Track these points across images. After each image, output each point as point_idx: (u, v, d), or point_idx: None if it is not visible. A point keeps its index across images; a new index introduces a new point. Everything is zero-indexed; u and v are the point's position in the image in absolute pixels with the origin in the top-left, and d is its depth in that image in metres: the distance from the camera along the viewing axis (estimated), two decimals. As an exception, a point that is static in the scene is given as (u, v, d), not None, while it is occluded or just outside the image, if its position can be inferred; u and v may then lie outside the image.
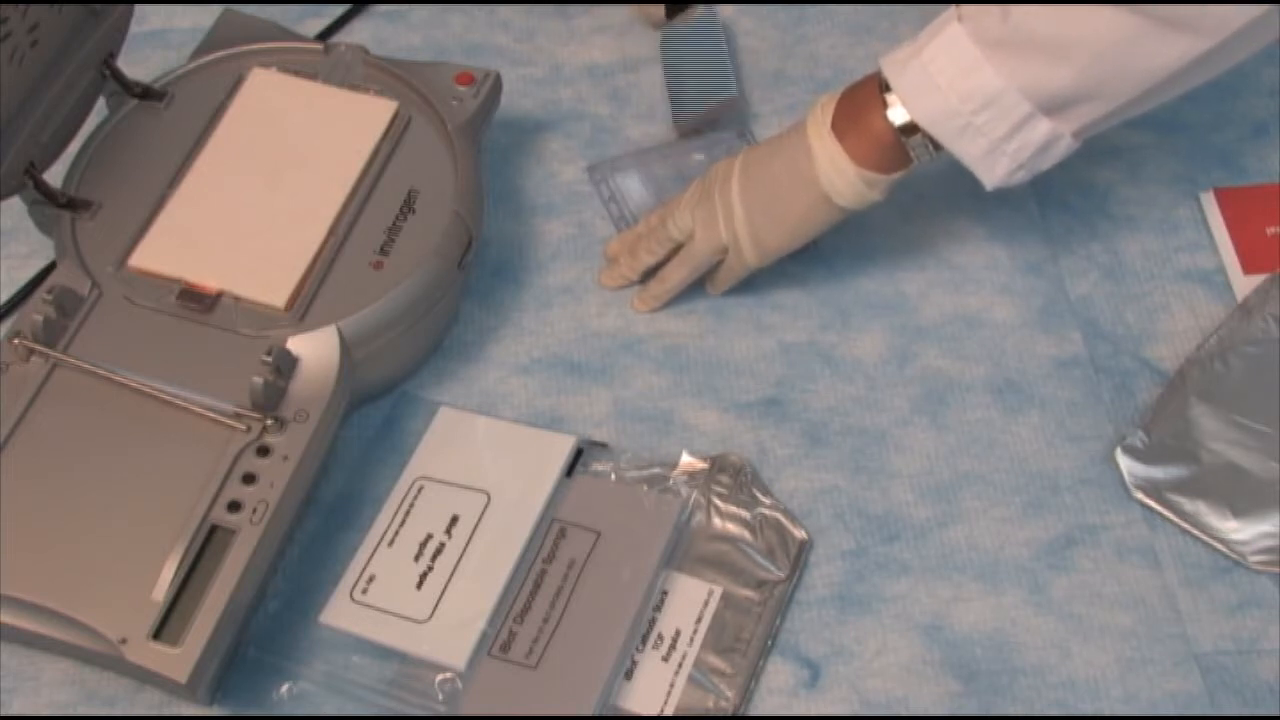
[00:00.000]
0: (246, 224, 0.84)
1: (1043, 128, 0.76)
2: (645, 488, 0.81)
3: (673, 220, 0.86)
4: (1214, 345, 0.86)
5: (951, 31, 0.76)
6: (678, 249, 0.87)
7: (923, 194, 0.93)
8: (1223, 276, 0.90)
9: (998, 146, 0.77)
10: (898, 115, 0.78)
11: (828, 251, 0.91)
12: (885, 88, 0.79)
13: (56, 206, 0.84)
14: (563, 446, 0.82)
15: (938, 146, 0.79)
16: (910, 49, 0.78)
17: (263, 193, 0.86)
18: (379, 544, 0.79)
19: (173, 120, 0.90)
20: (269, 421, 0.77)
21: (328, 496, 0.82)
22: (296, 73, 0.92)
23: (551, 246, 0.93)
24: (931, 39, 0.77)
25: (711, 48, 0.98)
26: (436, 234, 0.84)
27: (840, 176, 0.80)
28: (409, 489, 0.81)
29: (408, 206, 0.86)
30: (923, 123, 0.77)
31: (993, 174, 0.79)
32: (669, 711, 0.74)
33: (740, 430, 0.85)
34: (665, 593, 0.78)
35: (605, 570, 0.78)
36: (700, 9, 0.99)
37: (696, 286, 0.89)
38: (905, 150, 0.79)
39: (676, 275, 0.87)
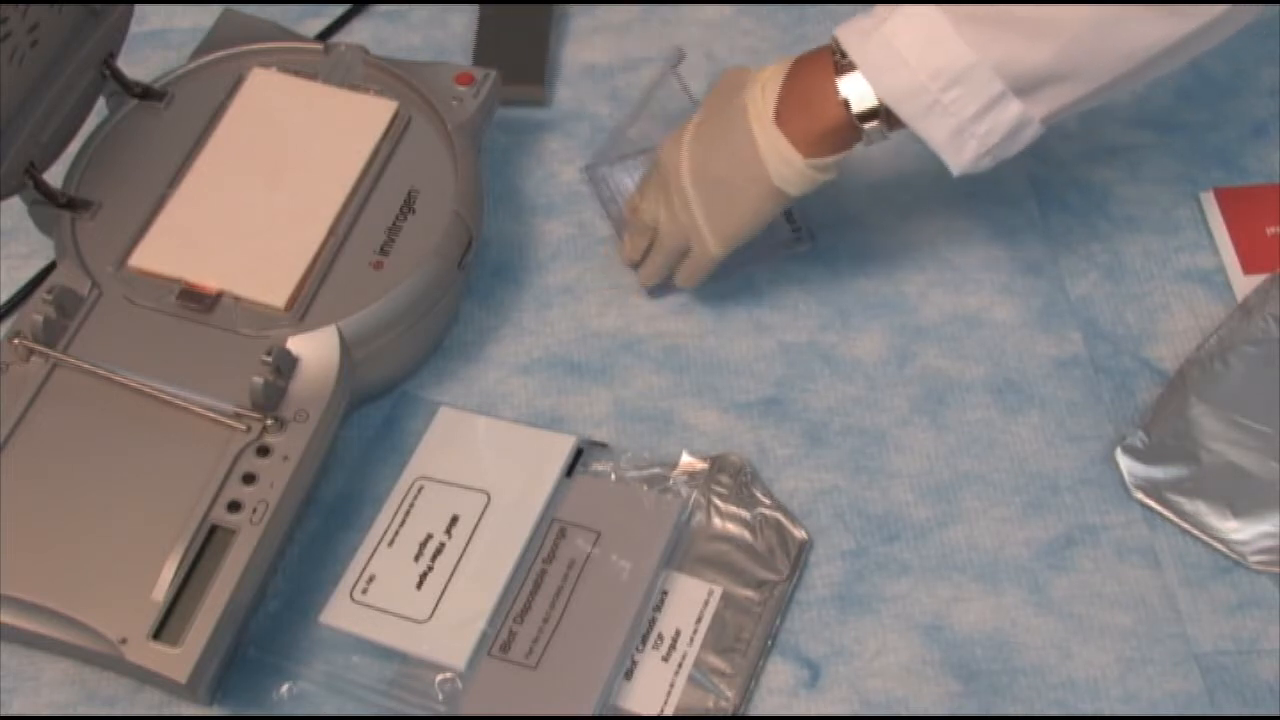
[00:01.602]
0: (246, 224, 0.84)
1: (1013, 109, 0.73)
2: (645, 488, 0.81)
3: (642, 210, 0.85)
4: (1214, 345, 0.86)
5: (918, 5, 0.71)
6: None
7: (922, 194, 0.93)
8: (1223, 276, 0.90)
9: (966, 128, 0.73)
10: (854, 98, 0.74)
11: (828, 251, 0.91)
12: (840, 64, 0.74)
13: (56, 206, 0.84)
14: (563, 446, 0.82)
15: (891, 128, 0.75)
16: (869, 21, 0.73)
17: (263, 193, 0.86)
18: (379, 544, 0.79)
19: (173, 120, 0.90)
20: (269, 421, 0.77)
21: (328, 496, 0.82)
22: (296, 73, 0.92)
23: (551, 246, 0.93)
24: (894, 11, 0.72)
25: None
26: (436, 234, 0.84)
27: (790, 169, 0.77)
28: (409, 489, 0.81)
29: (408, 206, 0.86)
30: (887, 100, 0.73)
31: (960, 158, 0.75)
32: (669, 711, 0.74)
33: (740, 430, 0.85)
34: (665, 593, 0.78)
35: (605, 570, 0.78)
36: None
37: (698, 285, 0.89)
38: (857, 131, 0.76)
39: (655, 262, 0.87)
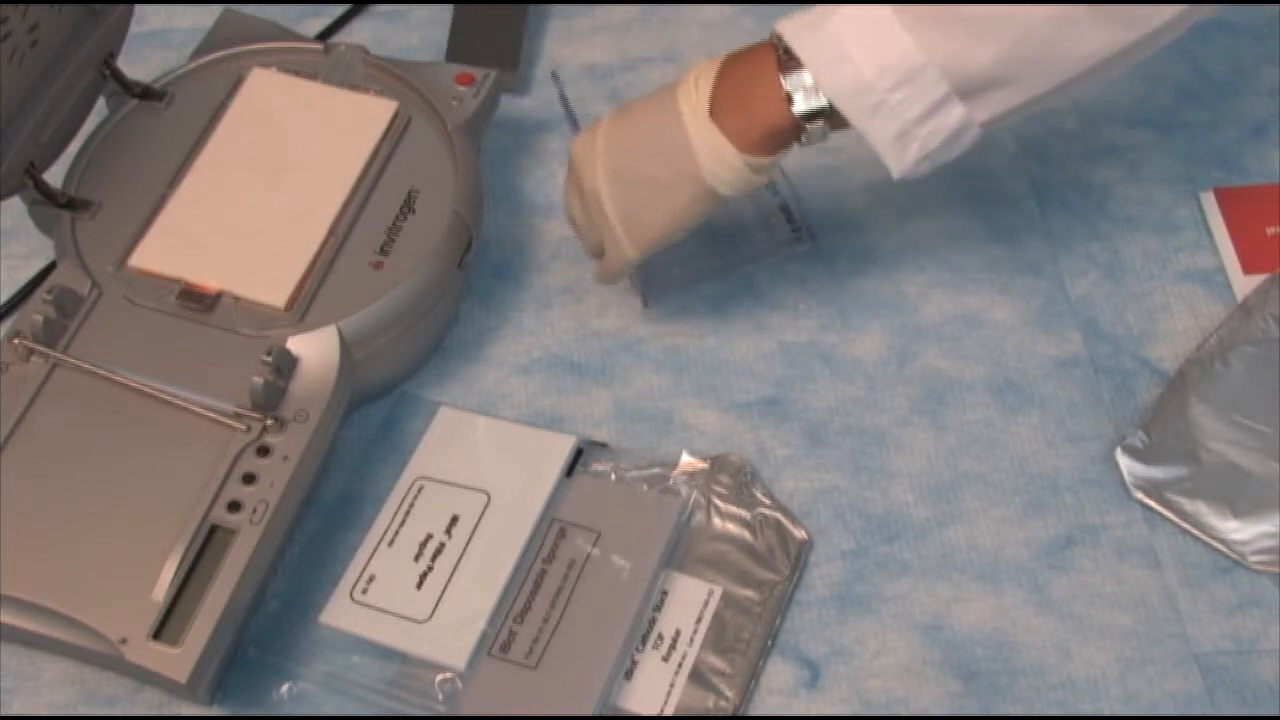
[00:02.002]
0: (246, 224, 0.84)
1: (956, 113, 0.71)
2: (645, 488, 0.81)
3: (564, 206, 0.83)
4: (1214, 345, 0.86)
5: (865, 2, 0.70)
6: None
7: (923, 194, 0.93)
8: (1223, 276, 0.90)
9: (909, 130, 0.71)
10: (800, 96, 0.72)
11: (828, 251, 0.91)
12: (784, 61, 0.72)
13: (56, 206, 0.84)
14: (563, 446, 0.82)
15: (834, 128, 0.73)
16: (813, 17, 0.71)
17: (263, 193, 0.86)
18: (379, 544, 0.79)
19: (173, 120, 0.90)
20: (269, 421, 0.77)
21: (328, 496, 0.82)
22: (296, 73, 0.92)
23: (551, 246, 0.93)
24: (839, 9, 0.70)
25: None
26: (436, 234, 0.84)
27: (725, 168, 0.74)
28: (409, 489, 0.81)
29: (408, 206, 0.86)
30: (832, 96, 0.71)
31: (902, 161, 0.73)
32: (669, 711, 0.74)
33: (740, 430, 0.85)
34: (665, 593, 0.78)
35: (605, 570, 0.78)
36: None
37: (698, 286, 0.89)
38: (798, 131, 0.74)
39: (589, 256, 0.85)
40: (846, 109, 0.72)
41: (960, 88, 0.71)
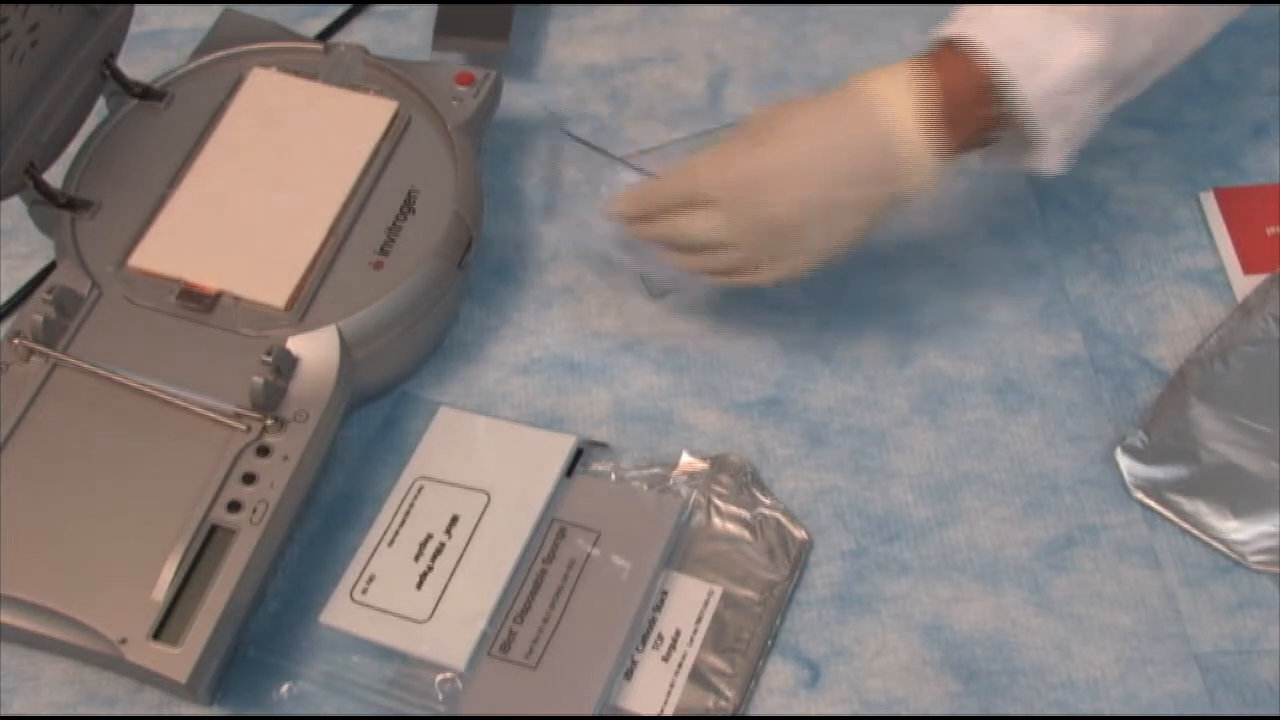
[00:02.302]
0: (246, 224, 0.84)
1: (1103, 111, 0.74)
2: (645, 488, 0.81)
3: (695, 234, 0.78)
4: (1214, 345, 0.86)
5: (1033, 8, 0.71)
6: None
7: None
8: (1223, 276, 0.90)
9: (1073, 132, 0.73)
10: (1005, 105, 0.72)
11: (828, 251, 0.91)
12: (984, 69, 0.72)
13: (56, 206, 0.85)
14: (563, 446, 0.82)
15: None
16: (987, 21, 0.71)
17: (263, 193, 0.86)
18: (379, 544, 0.79)
19: (173, 120, 0.90)
20: (269, 421, 0.77)
21: (328, 496, 0.82)
22: (296, 73, 0.92)
23: (551, 246, 0.92)
24: (1007, 9, 0.71)
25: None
26: (436, 234, 0.84)
27: (936, 179, 0.75)
28: (409, 489, 0.81)
29: (408, 206, 0.86)
30: (1030, 101, 0.71)
31: (1060, 161, 0.75)
32: (669, 711, 0.74)
33: (740, 430, 0.85)
34: (665, 593, 0.78)
35: (605, 570, 0.78)
36: None
37: (698, 286, 0.89)
38: (993, 137, 0.75)
39: (702, 270, 0.81)
40: (1037, 113, 0.72)
41: (1111, 88, 0.72)
